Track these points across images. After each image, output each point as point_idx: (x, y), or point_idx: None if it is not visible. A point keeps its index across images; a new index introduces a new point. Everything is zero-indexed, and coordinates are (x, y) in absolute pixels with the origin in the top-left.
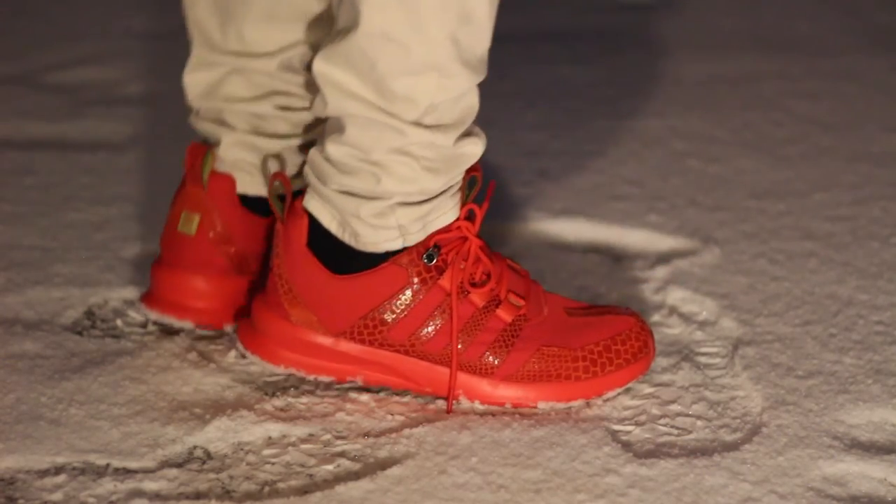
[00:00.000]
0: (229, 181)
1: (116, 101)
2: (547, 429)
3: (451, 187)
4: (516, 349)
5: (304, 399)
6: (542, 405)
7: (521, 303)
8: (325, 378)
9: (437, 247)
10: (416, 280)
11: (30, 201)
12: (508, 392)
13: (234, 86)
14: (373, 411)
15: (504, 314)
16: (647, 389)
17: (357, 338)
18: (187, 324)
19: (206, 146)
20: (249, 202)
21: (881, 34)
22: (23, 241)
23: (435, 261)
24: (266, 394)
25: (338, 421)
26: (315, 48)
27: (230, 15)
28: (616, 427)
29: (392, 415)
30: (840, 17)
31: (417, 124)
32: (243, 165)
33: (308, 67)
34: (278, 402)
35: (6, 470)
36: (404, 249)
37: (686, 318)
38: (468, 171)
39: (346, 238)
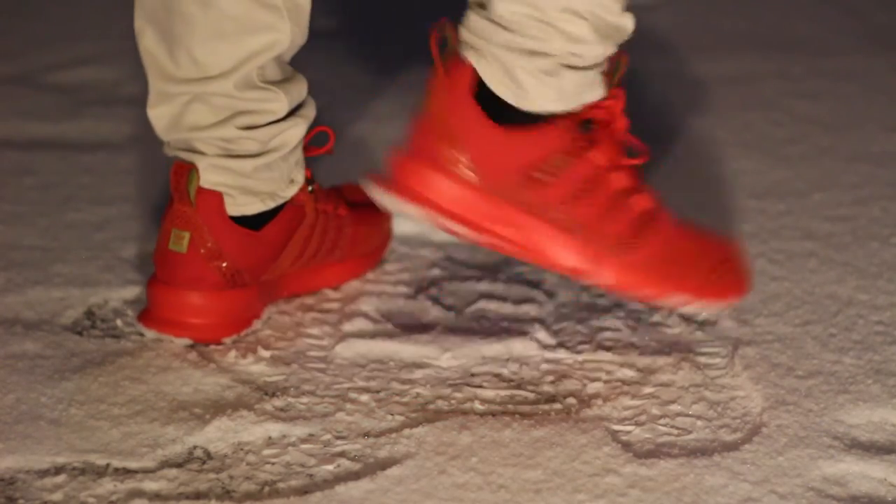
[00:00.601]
0: (217, 197)
1: (116, 101)
2: (547, 429)
3: (605, 61)
4: (651, 236)
5: (304, 399)
6: (665, 300)
7: (658, 194)
8: (323, 379)
9: (591, 119)
10: (570, 146)
11: (30, 201)
12: (636, 277)
13: (197, 114)
14: (373, 411)
15: (644, 200)
16: (647, 389)
17: (503, 191)
18: (185, 341)
19: (190, 164)
20: (236, 220)
21: (881, 34)
22: (23, 241)
23: (590, 132)
24: (266, 394)
25: (338, 421)
26: (268, 57)
27: (176, 39)
28: (616, 427)
29: (392, 415)
30: (840, 17)
31: None
32: (222, 188)
33: (266, 80)
34: (278, 402)
35: (6, 470)
36: (562, 114)
37: (686, 318)
38: (614, 55)
39: (508, 94)
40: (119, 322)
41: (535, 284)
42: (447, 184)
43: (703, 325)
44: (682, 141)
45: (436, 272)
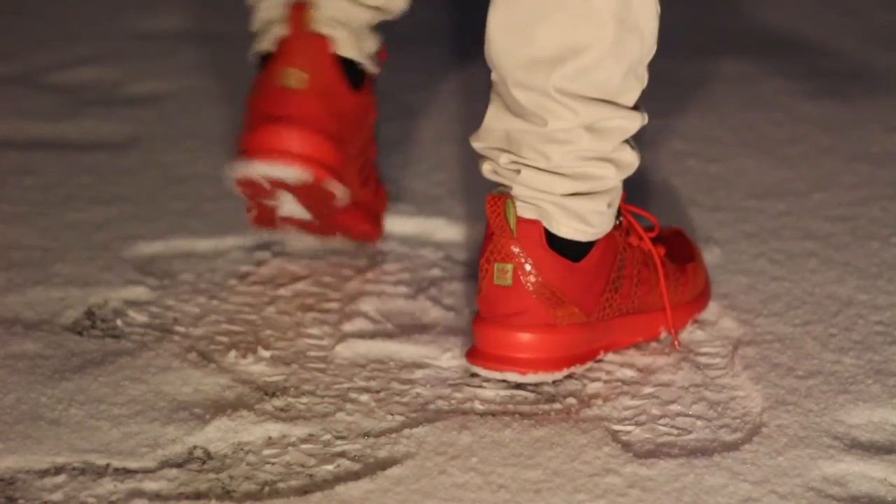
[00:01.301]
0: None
1: (116, 101)
2: (547, 429)
3: None
4: (678, 279)
5: (304, 399)
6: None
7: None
8: (323, 379)
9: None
10: (621, 243)
11: (30, 201)
12: (689, 314)
13: None
14: (373, 411)
15: (659, 251)
16: (647, 389)
17: (602, 313)
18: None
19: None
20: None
21: (881, 34)
22: (23, 241)
23: (620, 223)
24: (266, 394)
25: (338, 421)
26: None
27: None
28: (616, 427)
29: (392, 415)
30: (840, 17)
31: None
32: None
33: None
34: (278, 402)
35: (6, 470)
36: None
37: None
38: None
39: (579, 235)
40: (119, 322)
41: None
42: (572, 336)
43: (703, 325)
44: (683, 141)
45: (436, 272)
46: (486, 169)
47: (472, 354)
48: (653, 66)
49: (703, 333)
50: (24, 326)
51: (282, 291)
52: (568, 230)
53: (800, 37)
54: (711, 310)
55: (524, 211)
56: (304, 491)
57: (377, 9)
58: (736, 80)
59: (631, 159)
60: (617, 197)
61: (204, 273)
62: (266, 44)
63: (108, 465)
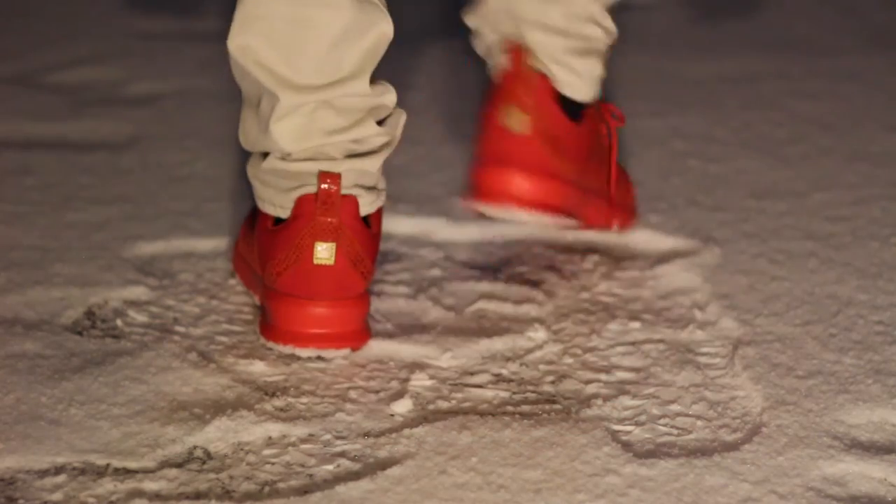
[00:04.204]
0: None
1: (116, 101)
2: (547, 429)
3: None
4: (624, 179)
5: (304, 399)
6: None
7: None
8: (323, 379)
9: None
10: (598, 119)
11: (30, 201)
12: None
13: (327, 120)
14: (373, 411)
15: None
16: (647, 389)
17: (580, 179)
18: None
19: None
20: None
21: (880, 34)
22: (23, 241)
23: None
24: (266, 394)
25: (338, 421)
26: (383, 51)
27: (297, 48)
28: (616, 427)
29: (392, 415)
30: (840, 17)
31: None
32: (356, 191)
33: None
34: (278, 402)
35: (6, 470)
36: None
37: (686, 318)
38: None
39: (575, 94)
40: (119, 322)
41: (535, 284)
42: (565, 189)
43: (703, 325)
44: (683, 141)
45: (436, 272)
46: (480, 46)
47: (471, 193)
48: (653, 66)
49: (703, 333)
50: (24, 326)
51: None
52: (568, 88)
53: (800, 37)
54: (711, 310)
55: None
56: (304, 491)
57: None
58: (736, 80)
59: (612, 27)
60: (602, 67)
61: (204, 273)
62: (287, 206)
63: (108, 465)
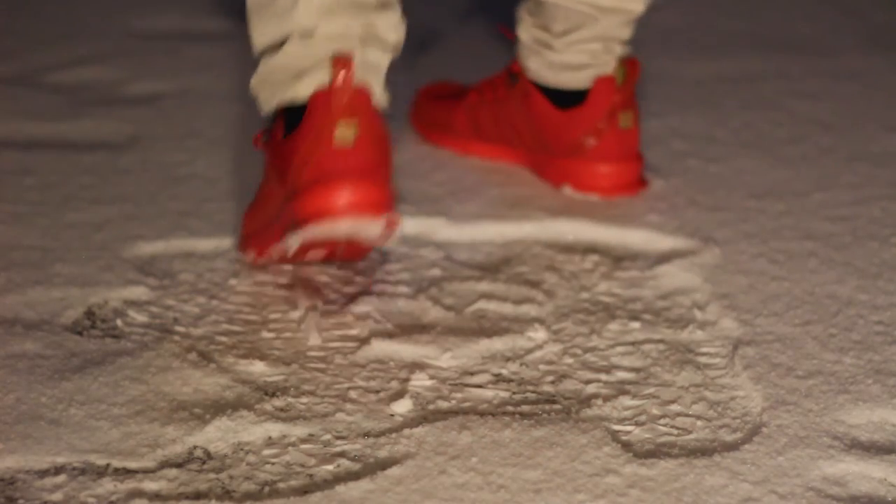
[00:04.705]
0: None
1: (116, 101)
2: (547, 429)
3: None
4: None
5: (304, 399)
6: None
7: None
8: (323, 379)
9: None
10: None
11: (30, 201)
12: None
13: None
14: (373, 411)
15: None
16: (647, 389)
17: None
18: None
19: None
20: None
21: (880, 34)
22: (23, 241)
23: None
24: (266, 394)
25: (338, 421)
26: None
27: None
28: (616, 427)
29: (392, 415)
30: (840, 17)
31: None
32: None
33: None
34: (278, 402)
35: (6, 470)
36: None
37: (686, 318)
38: None
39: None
40: (119, 322)
41: (535, 284)
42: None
43: (703, 325)
44: (683, 141)
45: (436, 272)
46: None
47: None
48: (653, 66)
49: (703, 333)
50: (24, 326)
51: (282, 292)
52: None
53: (800, 37)
54: (711, 310)
55: None
56: (304, 491)
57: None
58: (736, 80)
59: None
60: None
61: (204, 273)
62: (300, 93)
63: (108, 465)
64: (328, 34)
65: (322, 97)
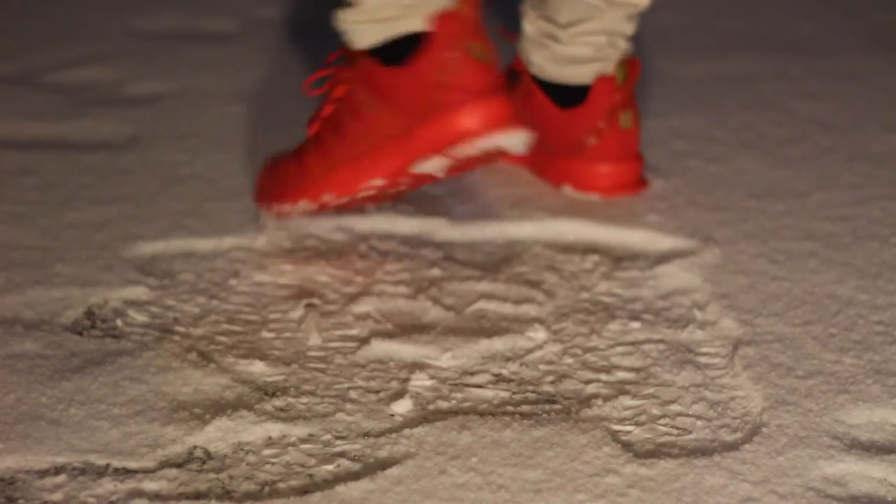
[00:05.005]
0: None
1: (116, 101)
2: (547, 429)
3: None
4: None
5: (304, 399)
6: None
7: None
8: (323, 379)
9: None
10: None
11: (30, 201)
12: None
13: None
14: (373, 411)
15: None
16: (647, 389)
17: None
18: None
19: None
20: None
21: (881, 34)
22: (23, 241)
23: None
24: (266, 394)
25: (338, 421)
26: None
27: None
28: (616, 427)
29: (392, 415)
30: (840, 17)
31: None
32: None
33: None
34: (278, 402)
35: (6, 470)
36: None
37: (686, 319)
38: None
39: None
40: (119, 322)
41: (535, 284)
42: None
43: (703, 325)
44: (683, 141)
45: (436, 272)
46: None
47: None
48: (653, 66)
49: (703, 333)
50: (24, 326)
51: (281, 292)
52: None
53: (800, 37)
54: (711, 310)
55: None
56: (304, 491)
57: None
58: (736, 80)
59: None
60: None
61: (204, 273)
62: (413, 24)
63: (108, 465)
64: None
65: (449, 20)
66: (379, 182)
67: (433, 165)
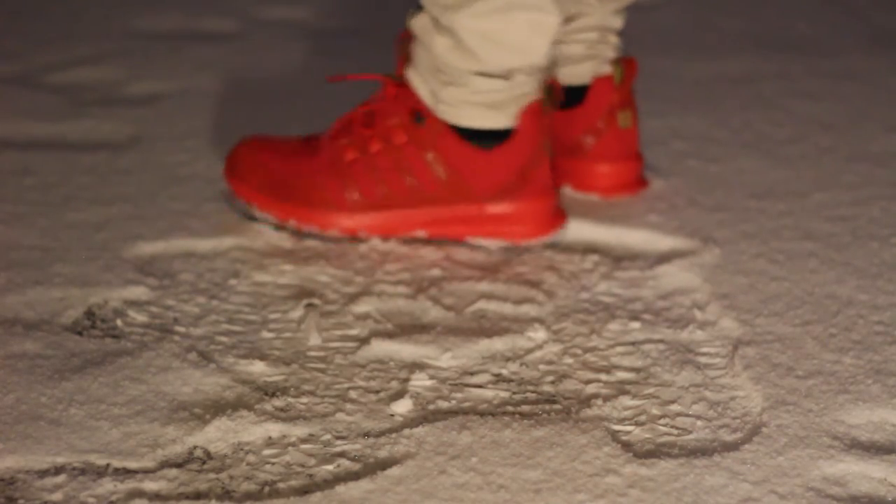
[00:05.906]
0: None
1: (116, 101)
2: (547, 429)
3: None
4: None
5: (304, 399)
6: None
7: None
8: (323, 379)
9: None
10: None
11: (30, 201)
12: None
13: None
14: (373, 411)
15: None
16: (647, 389)
17: None
18: None
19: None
20: None
21: (881, 34)
22: (23, 241)
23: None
24: (266, 394)
25: (338, 421)
26: None
27: None
28: (616, 427)
29: (392, 415)
30: (840, 17)
31: None
32: None
33: None
34: (278, 402)
35: (6, 470)
36: None
37: (686, 319)
38: None
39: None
40: (119, 322)
41: (535, 284)
42: None
43: (703, 325)
44: (683, 141)
45: (436, 272)
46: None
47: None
48: (653, 66)
49: (703, 333)
50: (24, 326)
51: (281, 292)
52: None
53: (800, 37)
54: (711, 310)
55: None
56: (304, 491)
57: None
58: (736, 80)
59: None
60: None
61: (204, 273)
62: (503, 121)
63: (108, 465)
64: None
65: (535, 116)
66: (421, 234)
67: (481, 242)
